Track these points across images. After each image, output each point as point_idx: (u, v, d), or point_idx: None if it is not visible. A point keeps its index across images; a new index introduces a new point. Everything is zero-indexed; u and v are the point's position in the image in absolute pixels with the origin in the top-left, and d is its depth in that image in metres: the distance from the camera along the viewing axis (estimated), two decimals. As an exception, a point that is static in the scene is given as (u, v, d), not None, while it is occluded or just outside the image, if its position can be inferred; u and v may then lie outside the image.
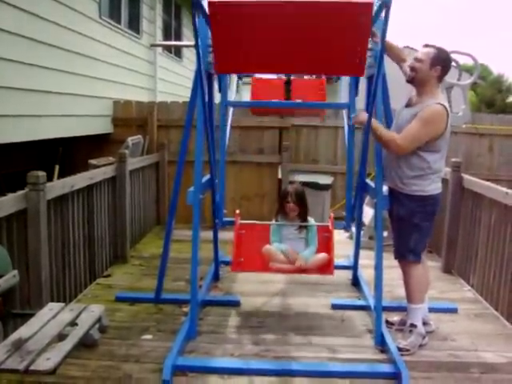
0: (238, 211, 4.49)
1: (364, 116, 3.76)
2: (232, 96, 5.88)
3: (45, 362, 2.18)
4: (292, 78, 5.22)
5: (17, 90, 5.10)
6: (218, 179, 4.64)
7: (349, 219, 5.13)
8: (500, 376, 3.38)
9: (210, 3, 2.60)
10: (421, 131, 3.53)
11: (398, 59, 3.95)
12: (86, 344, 3.40)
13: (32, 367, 2.15)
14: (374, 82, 3.66)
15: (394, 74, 4.09)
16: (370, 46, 4.08)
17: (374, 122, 3.71)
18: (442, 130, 3.56)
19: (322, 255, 4.17)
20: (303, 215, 4.37)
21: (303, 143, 7.75)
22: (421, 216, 3.68)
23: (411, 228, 3.71)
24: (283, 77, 5.29)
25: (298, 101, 5.10)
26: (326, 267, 4.16)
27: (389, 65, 3.91)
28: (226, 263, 5.47)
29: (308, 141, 7.76)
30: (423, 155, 3.61)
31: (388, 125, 4.01)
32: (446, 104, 3.62)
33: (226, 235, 5.72)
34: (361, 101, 4.36)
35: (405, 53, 3.97)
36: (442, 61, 3.61)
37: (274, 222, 4.42)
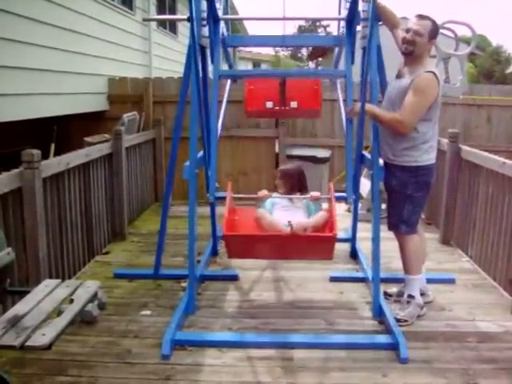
0: (229, 183, 4.11)
1: (358, 107, 3.72)
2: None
3: (40, 338, 2.17)
4: (287, 79, 5.02)
5: (9, 68, 5.03)
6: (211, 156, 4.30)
7: (350, 189, 4.35)
8: (496, 345, 3.41)
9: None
10: (419, 102, 3.50)
11: (391, 25, 3.85)
12: (85, 321, 3.41)
13: (28, 343, 2.14)
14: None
15: (390, 46, 4.00)
16: (364, 16, 4.02)
17: (371, 109, 3.68)
18: (435, 97, 3.54)
19: (321, 214, 3.81)
20: (293, 192, 4.07)
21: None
22: (413, 187, 3.67)
23: (404, 199, 3.71)
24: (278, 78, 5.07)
25: (294, 103, 4.95)
26: (328, 230, 3.78)
27: (384, 35, 3.86)
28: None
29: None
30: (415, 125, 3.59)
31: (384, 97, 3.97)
32: (436, 71, 3.59)
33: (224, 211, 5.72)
34: (355, 74, 4.29)
35: (398, 18, 3.89)
36: (436, 33, 3.60)
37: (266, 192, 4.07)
